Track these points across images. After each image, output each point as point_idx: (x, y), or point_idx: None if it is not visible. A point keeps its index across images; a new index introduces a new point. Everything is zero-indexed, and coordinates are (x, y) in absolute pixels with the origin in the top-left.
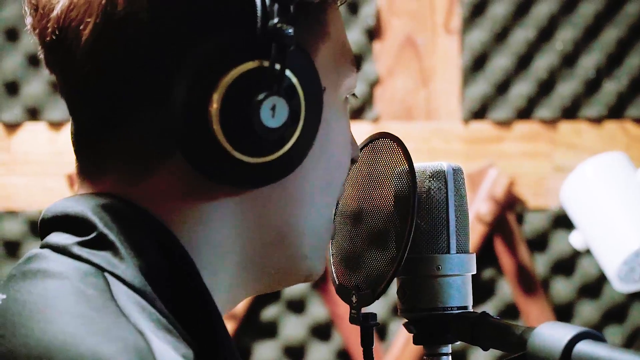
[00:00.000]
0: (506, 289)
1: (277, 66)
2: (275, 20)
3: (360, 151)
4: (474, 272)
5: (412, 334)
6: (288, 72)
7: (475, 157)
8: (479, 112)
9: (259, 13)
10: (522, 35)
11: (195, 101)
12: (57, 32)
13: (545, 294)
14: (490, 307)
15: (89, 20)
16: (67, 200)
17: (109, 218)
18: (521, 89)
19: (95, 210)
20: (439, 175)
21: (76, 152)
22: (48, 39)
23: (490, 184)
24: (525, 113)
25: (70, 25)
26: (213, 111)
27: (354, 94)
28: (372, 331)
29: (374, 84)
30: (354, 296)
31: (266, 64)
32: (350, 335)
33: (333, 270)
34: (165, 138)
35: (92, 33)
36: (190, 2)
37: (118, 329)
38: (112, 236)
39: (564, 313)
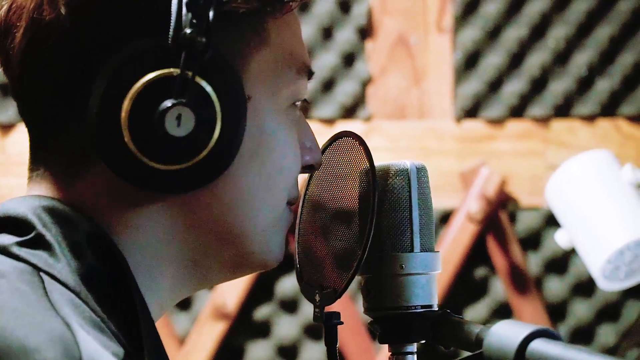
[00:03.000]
0: (499, 288)
1: (189, 75)
2: (188, 29)
3: (325, 151)
4: (439, 271)
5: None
6: (202, 82)
7: (468, 155)
8: (472, 111)
9: (172, 22)
10: (515, 33)
11: (108, 108)
12: None
13: (538, 293)
14: (483, 306)
15: (20, 24)
16: (11, 201)
17: (48, 219)
18: (514, 87)
19: (35, 211)
20: (402, 174)
21: (29, 154)
22: None
23: (482, 183)
24: (517, 111)
25: (9, 29)
26: (122, 119)
27: (305, 100)
28: (336, 330)
29: (366, 83)
30: (317, 295)
31: (176, 73)
32: (342, 335)
33: (299, 269)
34: (89, 144)
35: (24, 37)
36: (109, 10)
37: (46, 322)
38: (49, 237)
39: (557, 312)
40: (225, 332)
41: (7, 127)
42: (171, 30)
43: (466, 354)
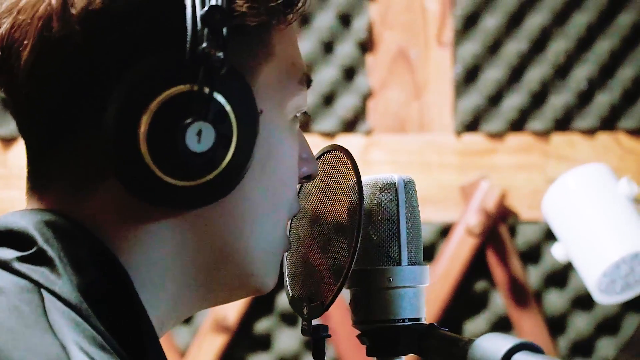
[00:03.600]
0: (499, 301)
1: (206, 90)
2: (205, 44)
3: None
4: (427, 284)
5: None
6: (219, 96)
7: (468, 169)
8: (472, 125)
9: (189, 37)
10: (515, 47)
11: (125, 124)
12: (0, 52)
13: (538, 306)
14: (482, 320)
15: (26, 42)
16: (12, 215)
17: (50, 234)
18: (514, 101)
19: (37, 225)
20: (389, 187)
21: (27, 169)
22: None
23: (482, 196)
24: (517, 125)
25: (13, 46)
26: (141, 134)
27: (305, 112)
28: (324, 343)
29: (366, 96)
30: (305, 308)
31: (195, 88)
32: (343, 347)
33: (287, 282)
34: (101, 160)
35: (31, 55)
36: (123, 25)
37: (43, 344)
38: (51, 252)
39: (557, 325)
40: (226, 345)
41: (8, 141)
42: (188, 45)
43: None
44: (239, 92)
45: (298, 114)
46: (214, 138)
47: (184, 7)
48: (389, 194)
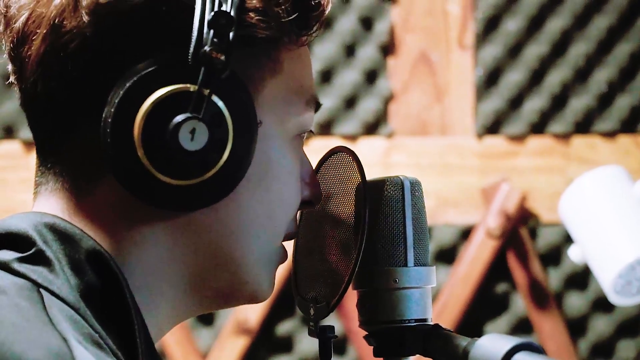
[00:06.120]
0: (519, 304)
1: (205, 92)
2: (209, 47)
3: (320, 166)
4: (434, 285)
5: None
6: (217, 99)
7: (490, 172)
8: (493, 127)
9: (193, 38)
10: (535, 50)
11: (121, 118)
12: (15, 42)
13: (558, 309)
14: (503, 322)
15: (39, 31)
16: (13, 217)
17: (49, 236)
18: (534, 104)
19: (37, 227)
20: (396, 188)
21: (35, 168)
22: (10, 48)
23: (503, 199)
24: (538, 128)
25: (27, 36)
26: (136, 130)
27: (311, 131)
28: (330, 344)
29: (388, 99)
30: (311, 309)
31: (194, 88)
32: (365, 350)
33: (295, 282)
34: (98, 158)
35: (42, 44)
36: (131, 21)
37: (44, 337)
38: (49, 253)
39: (577, 327)
40: (248, 347)
41: (30, 144)
42: (192, 46)
43: None
44: (238, 98)
45: (303, 134)
46: (207, 138)
47: (192, 9)
48: (394, 195)
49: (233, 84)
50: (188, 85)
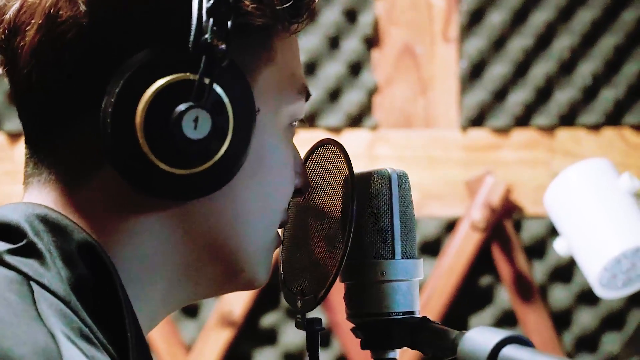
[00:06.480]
0: (504, 296)
1: (206, 80)
2: (209, 35)
3: (307, 159)
4: (421, 277)
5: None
6: (218, 88)
7: (474, 164)
8: (477, 120)
9: (193, 26)
10: (520, 43)
11: (122, 108)
12: (7, 32)
13: (543, 301)
14: (488, 315)
15: (34, 21)
16: (4, 207)
17: (40, 227)
18: (519, 97)
19: (28, 219)
20: (383, 181)
21: (25, 160)
22: (0, 39)
23: (487, 192)
24: (523, 121)
25: (19, 27)
26: (138, 120)
27: (302, 120)
28: (318, 336)
29: (372, 92)
30: (299, 301)
31: (194, 77)
32: (349, 342)
33: (282, 275)
34: (96, 148)
35: (37, 34)
36: (129, 10)
37: (31, 333)
38: (40, 245)
39: (562, 320)
40: (232, 339)
41: (15, 136)
42: (192, 35)
43: None
44: (238, 87)
45: (294, 123)
46: (210, 127)
47: None
48: (382, 188)
49: (232, 73)
50: (188, 74)
